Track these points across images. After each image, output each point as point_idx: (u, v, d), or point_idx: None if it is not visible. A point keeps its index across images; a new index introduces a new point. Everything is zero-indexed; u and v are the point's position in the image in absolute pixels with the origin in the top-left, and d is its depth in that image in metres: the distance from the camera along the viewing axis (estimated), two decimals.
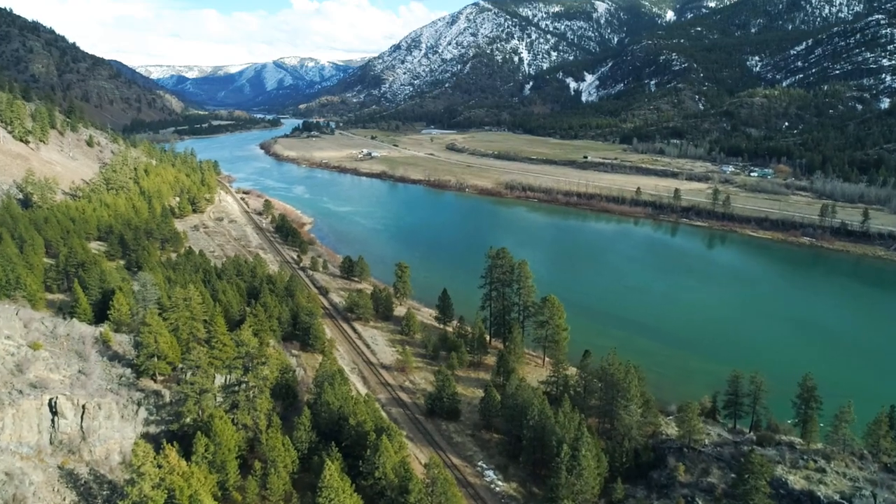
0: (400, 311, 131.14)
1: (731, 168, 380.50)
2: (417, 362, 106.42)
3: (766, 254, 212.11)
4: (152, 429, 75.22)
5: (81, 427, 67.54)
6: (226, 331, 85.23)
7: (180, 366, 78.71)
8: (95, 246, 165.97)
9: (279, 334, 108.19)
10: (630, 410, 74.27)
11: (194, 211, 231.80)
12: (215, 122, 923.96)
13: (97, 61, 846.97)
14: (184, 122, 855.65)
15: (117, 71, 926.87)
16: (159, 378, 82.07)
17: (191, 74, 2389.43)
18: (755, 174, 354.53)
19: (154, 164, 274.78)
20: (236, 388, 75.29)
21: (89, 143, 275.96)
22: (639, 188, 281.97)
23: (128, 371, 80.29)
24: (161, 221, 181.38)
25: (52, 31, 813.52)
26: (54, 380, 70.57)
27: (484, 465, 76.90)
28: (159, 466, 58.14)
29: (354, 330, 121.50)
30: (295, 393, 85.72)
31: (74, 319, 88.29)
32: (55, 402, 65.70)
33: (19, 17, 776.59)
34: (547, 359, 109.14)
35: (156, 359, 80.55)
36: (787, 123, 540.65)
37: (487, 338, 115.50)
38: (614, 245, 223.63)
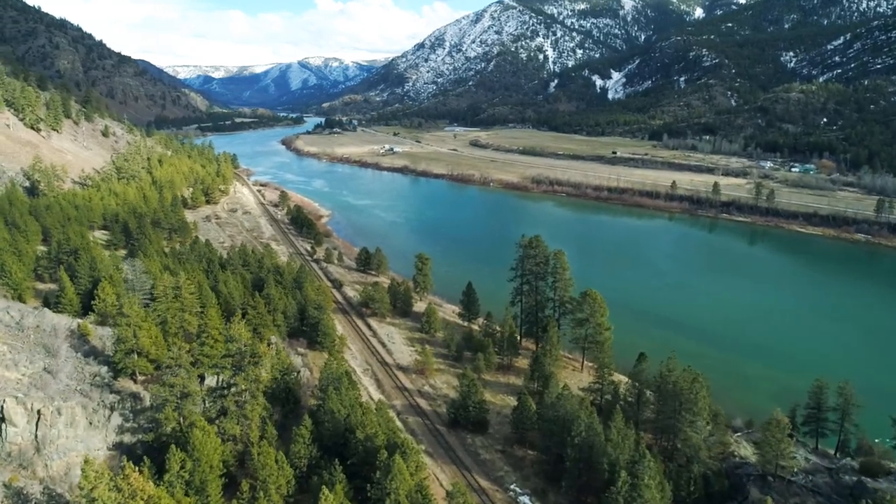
0: (420, 306, 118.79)
1: (769, 164, 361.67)
2: (439, 364, 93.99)
3: (817, 251, 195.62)
4: (127, 438, 64.07)
5: (36, 436, 56.48)
6: (220, 324, 73.93)
7: (165, 364, 67.24)
8: (99, 235, 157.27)
9: (284, 330, 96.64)
10: (697, 427, 61.04)
11: (208, 202, 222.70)
12: (238, 120, 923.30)
13: (123, 59, 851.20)
14: (207, 120, 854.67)
15: (143, 69, 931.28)
16: (140, 378, 70.99)
17: (217, 74, 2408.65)
18: (796, 169, 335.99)
19: (169, 155, 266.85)
20: (225, 392, 63.71)
21: (104, 134, 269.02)
22: (674, 182, 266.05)
23: (104, 370, 69.33)
24: (169, 210, 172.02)
25: (78, 29, 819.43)
26: (9, 379, 59.68)
27: (518, 490, 64.14)
28: (118, 489, 46.70)
29: (369, 327, 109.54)
30: (296, 397, 73.88)
31: (45, 309, 77.54)
32: (3, 407, 54.72)
33: (47, 14, 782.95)
34: (586, 362, 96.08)
35: (135, 355, 69.47)
36: (825, 119, 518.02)
37: (517, 337, 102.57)
38: (651, 241, 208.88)
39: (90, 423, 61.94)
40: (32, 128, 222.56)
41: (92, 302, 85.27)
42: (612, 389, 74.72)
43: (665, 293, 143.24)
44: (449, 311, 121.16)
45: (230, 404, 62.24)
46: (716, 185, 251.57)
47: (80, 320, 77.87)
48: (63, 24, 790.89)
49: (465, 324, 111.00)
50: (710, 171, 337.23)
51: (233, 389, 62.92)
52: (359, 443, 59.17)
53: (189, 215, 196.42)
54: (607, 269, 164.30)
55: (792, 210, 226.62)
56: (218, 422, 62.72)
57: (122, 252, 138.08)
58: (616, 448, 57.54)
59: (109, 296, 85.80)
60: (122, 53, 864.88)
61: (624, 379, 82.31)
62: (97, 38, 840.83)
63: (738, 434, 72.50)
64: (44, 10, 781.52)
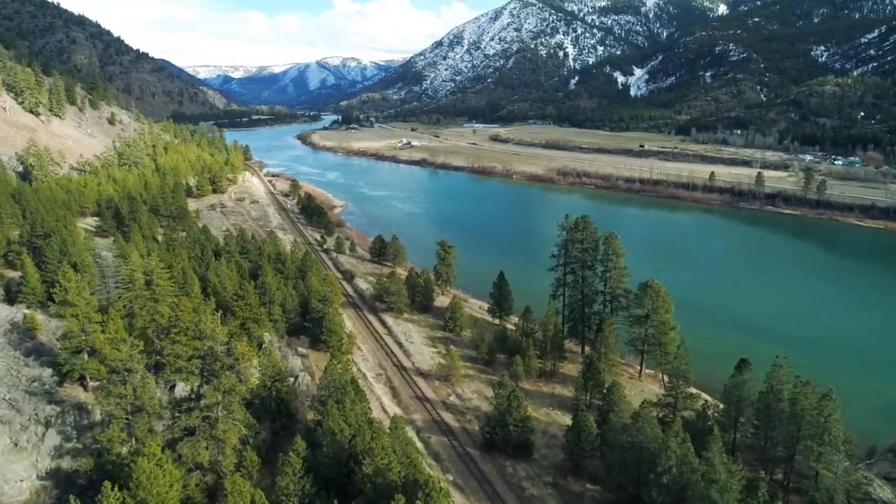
0: (442, 301, 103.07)
1: (809, 157, 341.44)
2: (467, 368, 78.06)
3: (886, 246, 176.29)
4: (66, 463, 48.88)
5: None
6: (196, 316, 58.85)
7: (113, 368, 52.20)
8: (91, 221, 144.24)
9: (282, 326, 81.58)
10: (832, 463, 44.50)
11: (214, 191, 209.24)
12: (255, 117, 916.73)
13: (140, 55, 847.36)
14: (224, 116, 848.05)
15: (160, 65, 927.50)
16: (92, 384, 56.25)
17: (236, 74, 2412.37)
18: (839, 162, 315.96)
19: (176, 143, 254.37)
20: (191, 405, 48.43)
21: (111, 122, 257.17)
22: (712, 173, 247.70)
23: (47, 373, 54.72)
24: (169, 197, 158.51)
25: (97, 25, 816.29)
26: None
27: None
28: None
29: (383, 323, 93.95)
30: (290, 411, 58.53)
31: None
32: None
33: (66, 10, 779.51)
34: (645, 369, 79.68)
35: (85, 355, 54.68)
36: (862, 113, 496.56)
37: (562, 337, 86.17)
38: (694, 234, 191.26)
39: (15, 445, 47.03)
40: (31, 112, 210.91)
41: (51, 290, 70.84)
42: (702, 409, 57.58)
43: (723, 290, 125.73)
44: (475, 307, 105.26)
45: (195, 422, 46.89)
46: (759, 175, 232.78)
47: (27, 311, 63.51)
48: (81, 21, 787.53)
49: (496, 321, 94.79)
50: (746, 163, 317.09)
51: (201, 403, 47.48)
52: (366, 478, 43.51)
53: (193, 204, 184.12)
54: (653, 264, 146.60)
55: (846, 202, 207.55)
56: (182, 444, 47.54)
57: (111, 240, 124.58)
58: (723, 492, 41.23)
59: (71, 282, 71.19)
60: (140, 50, 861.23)
61: (695, 391, 65.94)
62: (115, 34, 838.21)
63: (860, 465, 55.72)
64: (62, 6, 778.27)
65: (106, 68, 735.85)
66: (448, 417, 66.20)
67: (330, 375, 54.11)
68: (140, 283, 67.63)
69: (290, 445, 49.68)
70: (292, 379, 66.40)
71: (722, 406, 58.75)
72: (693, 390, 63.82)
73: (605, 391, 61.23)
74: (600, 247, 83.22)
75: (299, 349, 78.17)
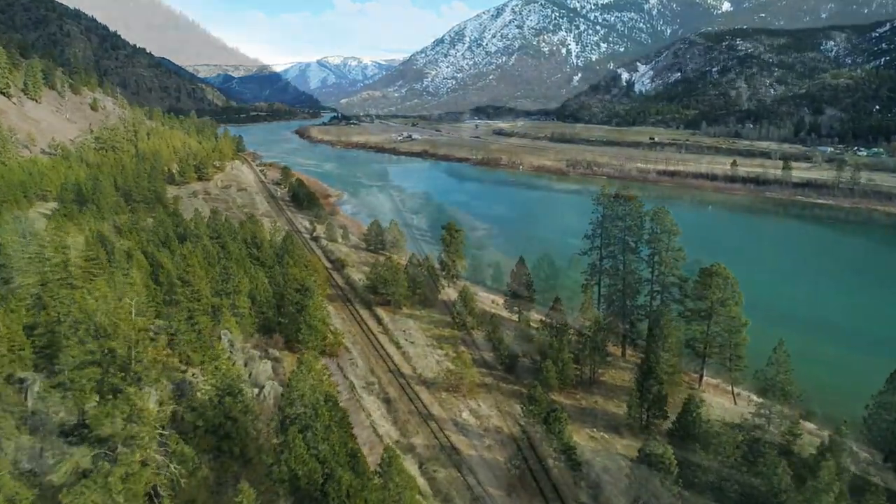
0: (448, 294, 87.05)
1: (829, 148, 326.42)
2: (482, 376, 61.67)
3: None
4: None
5: None
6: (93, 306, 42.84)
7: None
8: (53, 206, 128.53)
9: (251, 322, 65.60)
10: None
11: (200, 178, 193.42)
12: (253, 113, 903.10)
13: (137, 50, 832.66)
14: (223, 112, 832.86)
15: (157, 61, 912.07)
16: None
17: (237, 73, 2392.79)
18: (863, 153, 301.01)
19: (163, 130, 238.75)
20: (82, 436, 32.48)
21: (93, 107, 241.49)
22: (734, 161, 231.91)
23: None
24: (144, 181, 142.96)
25: (93, 20, 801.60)
26: None
27: None
28: None
29: (378, 320, 77.67)
30: (243, 437, 42.52)
31: None
32: None
33: (60, 3, 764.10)
34: (706, 378, 63.54)
35: None
36: (878, 106, 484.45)
37: (603, 337, 69.86)
38: (723, 226, 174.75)
39: None
40: (1, 93, 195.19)
41: None
42: (833, 444, 40.94)
43: (773, 286, 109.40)
44: (487, 302, 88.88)
45: (85, 462, 30.97)
46: (787, 164, 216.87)
47: None
48: (77, 14, 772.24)
49: (516, 318, 78.50)
50: (764, 155, 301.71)
51: (95, 432, 31.49)
52: None
53: (176, 190, 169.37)
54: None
55: (884, 191, 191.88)
56: (63, 496, 31.61)
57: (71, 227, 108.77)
58: None
59: None
60: (138, 46, 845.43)
61: (787, 411, 49.86)
62: (112, 29, 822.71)
63: None
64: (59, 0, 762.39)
65: (101, 62, 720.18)
66: (460, 442, 49.97)
67: (295, 390, 38.05)
68: (53, 263, 51.81)
69: (235, 488, 33.92)
70: (256, 390, 50.63)
71: (831, 434, 42.70)
72: (786, 410, 47.65)
73: (666, 408, 45.35)
74: (646, 224, 66.99)
75: (270, 351, 62.27)
